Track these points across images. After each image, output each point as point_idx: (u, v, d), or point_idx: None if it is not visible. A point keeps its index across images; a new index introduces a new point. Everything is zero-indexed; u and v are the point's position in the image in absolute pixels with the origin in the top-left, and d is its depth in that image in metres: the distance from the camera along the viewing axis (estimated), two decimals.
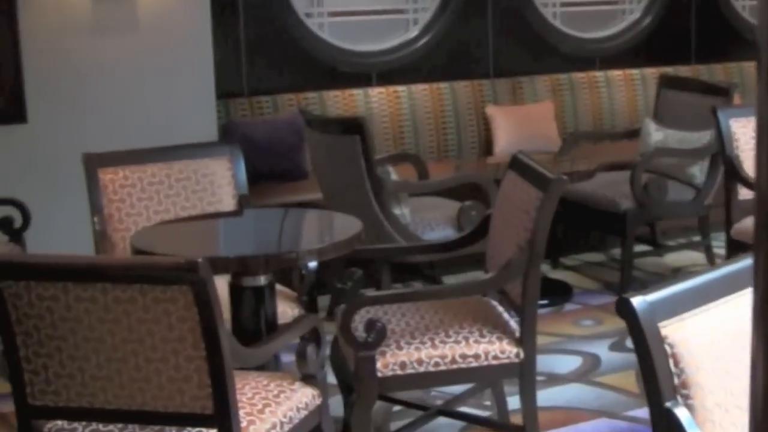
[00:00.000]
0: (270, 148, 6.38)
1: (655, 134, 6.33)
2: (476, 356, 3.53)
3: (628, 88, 7.58)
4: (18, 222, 5.27)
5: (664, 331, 2.04)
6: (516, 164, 4.05)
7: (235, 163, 4.72)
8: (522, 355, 3.55)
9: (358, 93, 6.83)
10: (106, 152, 4.56)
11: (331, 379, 3.83)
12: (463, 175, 5.59)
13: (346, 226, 3.85)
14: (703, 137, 5.93)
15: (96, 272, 2.81)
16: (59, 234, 5.52)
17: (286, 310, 4.04)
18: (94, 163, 4.48)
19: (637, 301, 2.04)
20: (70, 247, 5.07)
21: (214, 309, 2.74)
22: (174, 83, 5.99)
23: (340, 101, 6.77)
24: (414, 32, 7.15)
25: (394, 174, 5.50)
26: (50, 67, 5.73)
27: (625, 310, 2.04)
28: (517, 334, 3.60)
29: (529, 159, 4.02)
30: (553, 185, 3.61)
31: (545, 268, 6.17)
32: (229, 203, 4.61)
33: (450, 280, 6.03)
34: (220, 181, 4.63)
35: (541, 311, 4.38)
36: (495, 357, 3.54)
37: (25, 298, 2.90)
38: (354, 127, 5.23)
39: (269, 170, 6.35)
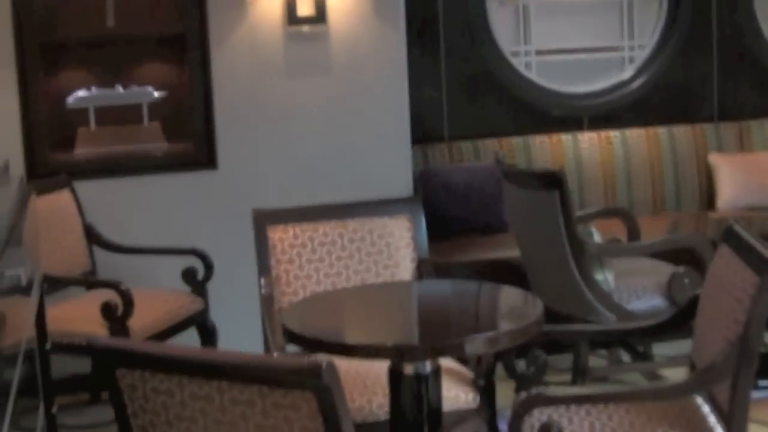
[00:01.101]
0: (469, 197, 5.95)
1: None
2: None
3: None
4: (201, 273, 5.07)
5: None
6: (730, 237, 3.45)
7: (415, 223, 4.30)
8: None
9: (566, 138, 6.31)
10: (277, 209, 4.25)
11: None
12: (675, 238, 4.99)
13: (527, 308, 3.36)
14: None
15: (210, 368, 2.44)
16: (242, 287, 5.26)
17: (459, 394, 3.58)
18: (263, 220, 4.17)
19: None
20: (251, 303, 4.80)
21: (341, 420, 2.32)
22: (368, 127, 5.68)
23: (547, 147, 6.27)
24: (629, 72, 6.57)
25: (597, 234, 4.96)
26: (242, 112, 5.52)
27: None
28: None
29: (746, 232, 3.42)
30: None
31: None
32: (406, 267, 4.20)
33: (661, 349, 5.41)
34: (398, 242, 4.23)
35: (756, 395, 3.74)
36: None
37: (140, 390, 2.57)
38: (553, 181, 4.73)
39: (468, 221, 5.93)
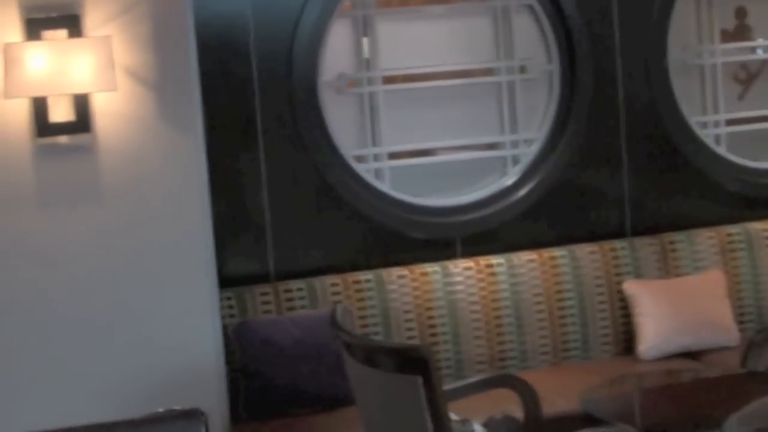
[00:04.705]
0: (302, 359, 4.38)
1: None
2: None
3: None
4: None
5: None
6: None
7: None
8: None
9: (433, 270, 4.72)
10: None
11: None
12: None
13: None
14: None
15: None
16: None
17: None
18: None
19: None
20: None
21: None
22: (155, 273, 4.14)
23: (407, 284, 4.67)
24: (513, 176, 5.02)
25: (479, 427, 3.40)
26: None
27: None
28: None
29: None
30: None
31: None
32: None
33: None
34: None
35: None
36: None
37: None
38: (413, 362, 3.20)
39: (300, 392, 4.40)
